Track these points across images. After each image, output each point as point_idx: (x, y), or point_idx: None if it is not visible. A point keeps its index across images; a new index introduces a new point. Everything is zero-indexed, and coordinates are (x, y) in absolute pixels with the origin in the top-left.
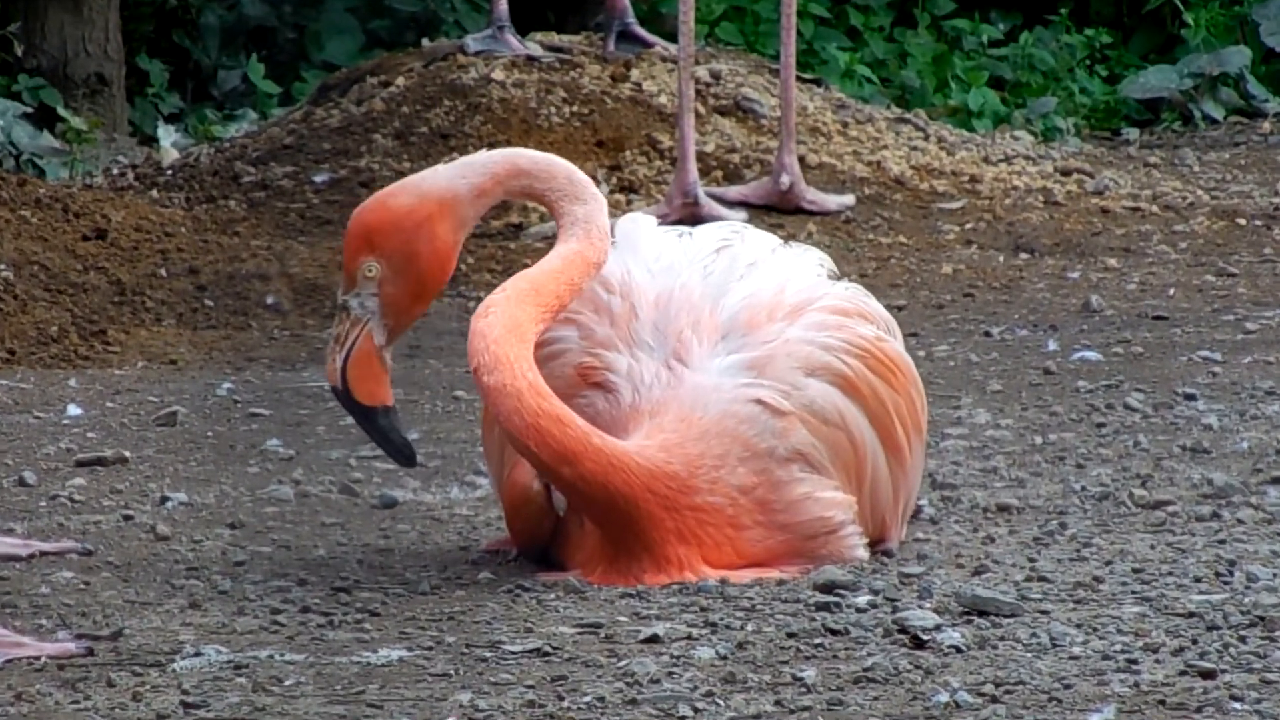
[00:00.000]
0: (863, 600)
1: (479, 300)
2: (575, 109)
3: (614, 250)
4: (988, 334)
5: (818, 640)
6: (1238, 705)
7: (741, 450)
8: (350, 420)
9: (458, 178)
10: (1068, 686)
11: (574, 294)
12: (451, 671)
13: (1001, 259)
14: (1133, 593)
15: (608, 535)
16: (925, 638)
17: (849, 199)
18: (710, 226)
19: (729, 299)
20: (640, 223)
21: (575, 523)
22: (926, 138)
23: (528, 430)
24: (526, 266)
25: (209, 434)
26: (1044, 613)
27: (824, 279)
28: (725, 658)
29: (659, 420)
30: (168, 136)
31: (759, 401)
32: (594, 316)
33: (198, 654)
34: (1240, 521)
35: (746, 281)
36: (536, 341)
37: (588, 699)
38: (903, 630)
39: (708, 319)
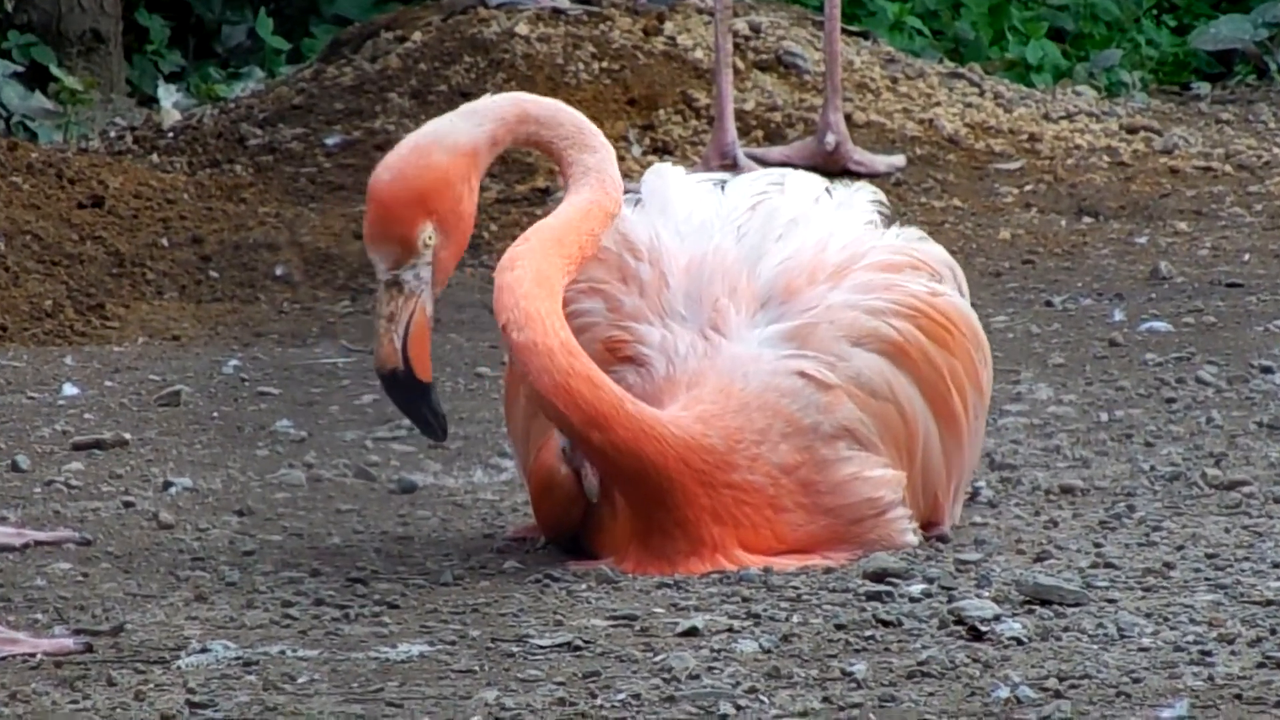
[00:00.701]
0: (916, 589)
1: None
2: (605, 65)
3: (641, 210)
4: (1049, 303)
5: (868, 632)
6: None
7: (784, 425)
8: (366, 400)
9: (475, 127)
10: (1137, 680)
11: (595, 246)
12: (476, 668)
13: (1063, 223)
14: (1206, 580)
15: (638, 511)
16: (984, 629)
17: (899, 160)
18: (746, 177)
19: (766, 262)
20: (668, 176)
21: (608, 509)
22: (982, 94)
23: (557, 390)
24: None
25: (214, 415)
26: (1111, 602)
27: (872, 229)
28: (769, 651)
29: (696, 392)
30: (168, 97)
31: (802, 374)
32: (621, 286)
33: (204, 650)
34: None
35: (785, 241)
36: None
37: (622, 696)
38: (959, 621)
39: (745, 285)
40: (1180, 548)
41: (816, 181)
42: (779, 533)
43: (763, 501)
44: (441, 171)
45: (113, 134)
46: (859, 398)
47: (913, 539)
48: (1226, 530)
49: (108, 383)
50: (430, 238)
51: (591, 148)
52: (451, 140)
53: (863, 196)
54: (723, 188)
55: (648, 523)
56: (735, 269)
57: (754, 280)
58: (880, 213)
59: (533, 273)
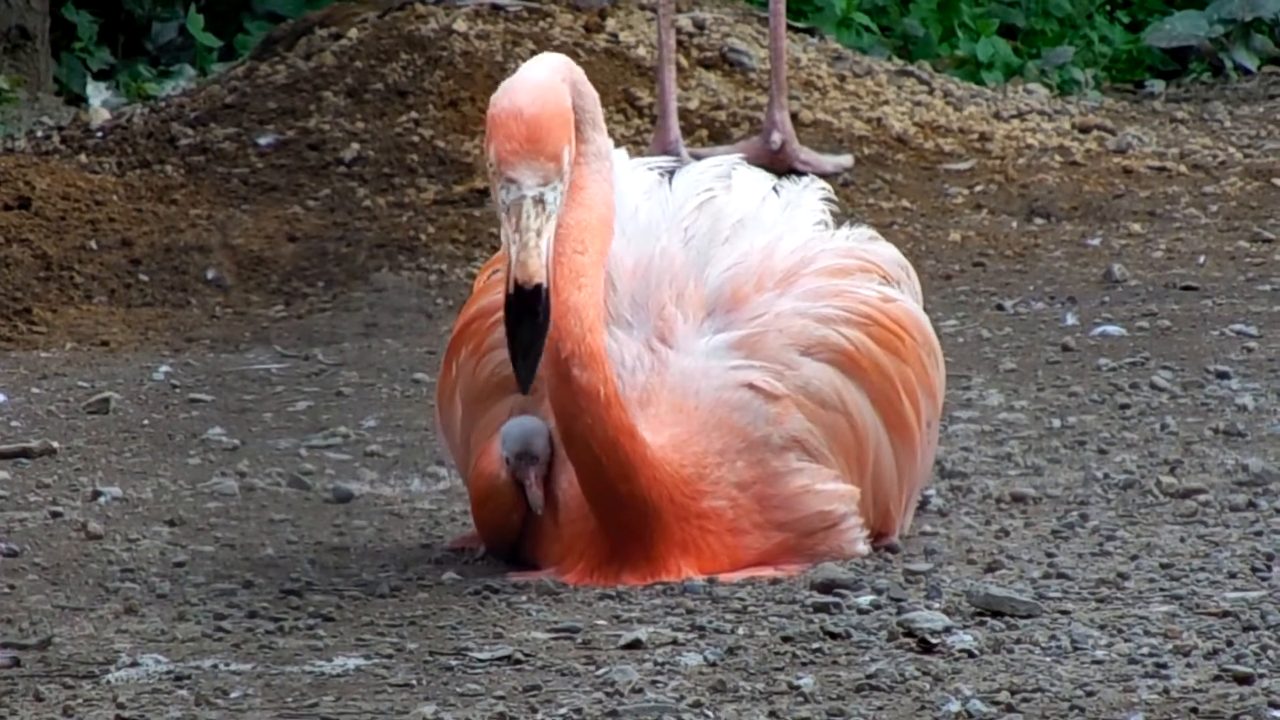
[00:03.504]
0: (865, 600)
1: (439, 274)
2: None
3: None
4: (1000, 307)
5: (816, 644)
6: (1277, 713)
7: (739, 442)
8: (300, 407)
9: (559, 77)
10: (1090, 694)
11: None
12: (414, 681)
13: (1015, 225)
14: (1161, 590)
15: (609, 537)
16: (934, 641)
17: (847, 160)
18: (693, 169)
19: (714, 267)
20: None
21: (549, 516)
22: (931, 92)
23: (604, 443)
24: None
25: (145, 422)
26: (1064, 613)
27: (822, 229)
28: (714, 664)
29: (654, 411)
30: (97, 95)
31: (750, 385)
32: None
33: (134, 664)
34: (1278, 511)
35: (733, 245)
36: (499, 314)
37: (563, 711)
38: (909, 633)
39: (692, 292)
40: (1134, 557)
41: (764, 178)
42: (736, 557)
43: (723, 528)
44: (568, 105)
45: (40, 133)
46: (807, 408)
47: (863, 548)
48: (1182, 539)
49: (35, 389)
50: (569, 162)
51: (602, 128)
52: (559, 82)
53: (811, 194)
54: (669, 180)
55: (612, 548)
56: (682, 274)
57: (701, 286)
58: (830, 211)
59: (596, 298)
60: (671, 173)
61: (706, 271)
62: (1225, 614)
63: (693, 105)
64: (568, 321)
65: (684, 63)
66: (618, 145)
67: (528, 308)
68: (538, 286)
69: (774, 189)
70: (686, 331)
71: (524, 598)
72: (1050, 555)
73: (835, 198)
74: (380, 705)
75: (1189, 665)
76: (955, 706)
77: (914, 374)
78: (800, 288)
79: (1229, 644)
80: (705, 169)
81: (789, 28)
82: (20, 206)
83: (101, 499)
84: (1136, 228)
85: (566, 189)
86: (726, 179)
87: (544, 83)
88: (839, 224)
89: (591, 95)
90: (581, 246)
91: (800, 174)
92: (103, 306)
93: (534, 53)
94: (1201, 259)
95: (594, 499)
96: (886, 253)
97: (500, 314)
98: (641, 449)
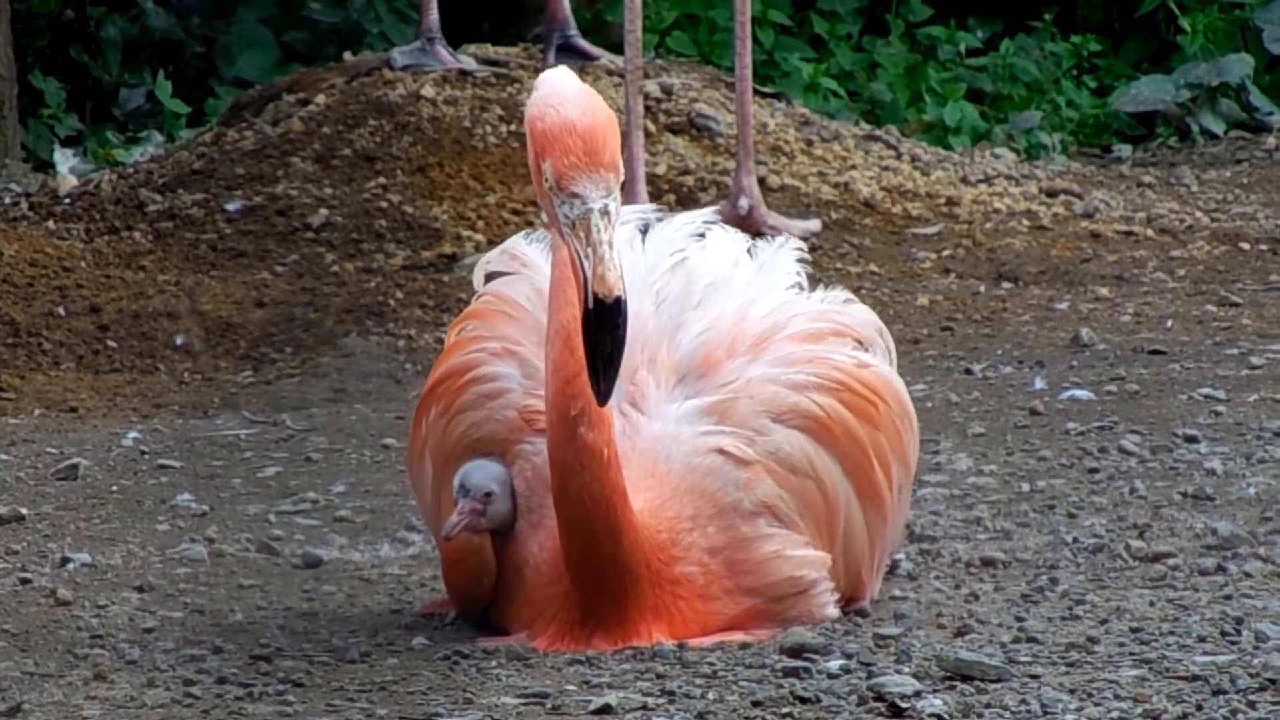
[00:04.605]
0: (835, 665)
1: (408, 339)
2: (513, 128)
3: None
4: (968, 371)
5: (786, 709)
6: None
7: (710, 507)
8: (269, 473)
9: (575, 79)
10: None
11: None
12: None
13: (983, 289)
14: (1131, 654)
15: (581, 600)
16: (904, 705)
17: (814, 224)
18: (667, 227)
19: (686, 332)
20: None
21: (517, 580)
22: (899, 156)
23: (597, 503)
24: (462, 302)
25: (113, 488)
26: (1034, 677)
27: (795, 294)
28: None
29: (627, 475)
30: (65, 162)
31: (720, 450)
32: (537, 351)
33: None
34: (1247, 575)
35: (705, 309)
36: (471, 375)
37: None
38: (879, 698)
39: (664, 357)
40: (1104, 621)
41: (738, 238)
42: (706, 623)
43: (694, 594)
44: (609, 109)
45: (7, 200)
46: (778, 474)
47: (833, 612)
48: (1151, 603)
49: (3, 456)
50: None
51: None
52: (590, 89)
53: (785, 255)
54: (643, 237)
55: (584, 612)
56: (654, 338)
57: (673, 351)
58: (804, 272)
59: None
60: (645, 229)
61: (679, 336)
62: (1195, 678)
63: (660, 170)
64: (581, 380)
65: (652, 128)
66: None
67: (608, 321)
68: (618, 299)
69: (748, 250)
70: (658, 396)
71: (494, 663)
72: (1020, 619)
73: (802, 265)
74: None
75: None
76: None
77: (886, 440)
78: (772, 353)
79: (1199, 708)
80: (679, 226)
81: (756, 92)
82: None
83: (70, 565)
84: (1104, 292)
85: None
86: (700, 238)
87: (582, 90)
88: (813, 285)
89: None
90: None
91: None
92: (71, 373)
93: (502, 118)
94: (1169, 323)
95: (575, 558)
96: (861, 315)
97: (470, 374)
98: (630, 512)
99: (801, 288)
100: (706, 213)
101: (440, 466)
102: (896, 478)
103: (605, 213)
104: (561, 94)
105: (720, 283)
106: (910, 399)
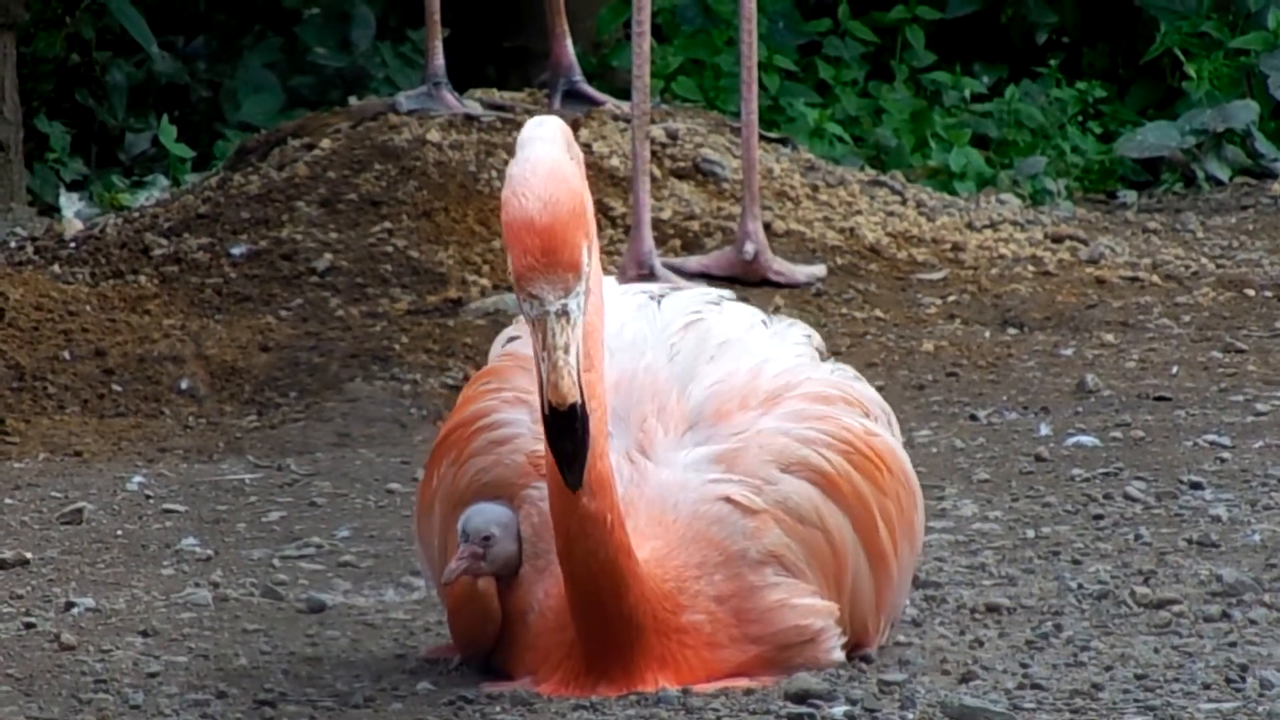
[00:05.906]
0: (839, 711)
1: (413, 384)
2: None
3: None
4: (973, 417)
5: None
6: None
7: (717, 555)
8: (274, 517)
9: (565, 149)
10: None
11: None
12: None
13: (988, 335)
14: (1136, 701)
15: (587, 649)
16: None
17: (820, 269)
18: (683, 295)
19: (698, 384)
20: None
21: (522, 626)
22: (904, 202)
23: (604, 564)
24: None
25: (118, 533)
26: None
27: (807, 360)
28: None
29: (633, 523)
30: (70, 206)
31: (728, 499)
32: None
33: None
34: (1253, 622)
35: (717, 364)
36: (482, 422)
37: None
38: None
39: (674, 406)
40: (1109, 668)
41: (753, 311)
42: (712, 671)
43: (701, 642)
44: (580, 189)
45: (13, 244)
46: (786, 523)
47: (839, 657)
48: (1156, 650)
49: (8, 500)
50: (588, 258)
51: (591, 234)
52: (565, 159)
53: (797, 331)
54: (659, 302)
55: (591, 660)
56: (665, 388)
57: (684, 401)
58: (814, 348)
59: (603, 420)
60: (661, 296)
61: (690, 387)
62: None
63: (666, 215)
64: (580, 448)
65: (657, 173)
66: None
67: (565, 427)
68: (572, 406)
69: (762, 321)
70: (666, 444)
71: (498, 708)
72: (1024, 666)
73: (808, 309)
74: None
75: None
76: None
77: (892, 507)
78: (784, 409)
79: None
80: (696, 295)
81: (762, 138)
82: None
83: (75, 610)
84: (1109, 338)
85: (587, 286)
86: (716, 304)
87: (553, 172)
88: (822, 359)
89: (579, 158)
90: (588, 363)
91: (774, 284)
92: (76, 417)
93: (507, 163)
94: (1174, 369)
95: (580, 612)
96: (869, 393)
97: (481, 421)
98: (635, 566)
99: (812, 360)
100: (724, 292)
101: (448, 512)
102: (901, 546)
103: (563, 314)
104: (532, 175)
105: (734, 341)
106: (909, 443)
